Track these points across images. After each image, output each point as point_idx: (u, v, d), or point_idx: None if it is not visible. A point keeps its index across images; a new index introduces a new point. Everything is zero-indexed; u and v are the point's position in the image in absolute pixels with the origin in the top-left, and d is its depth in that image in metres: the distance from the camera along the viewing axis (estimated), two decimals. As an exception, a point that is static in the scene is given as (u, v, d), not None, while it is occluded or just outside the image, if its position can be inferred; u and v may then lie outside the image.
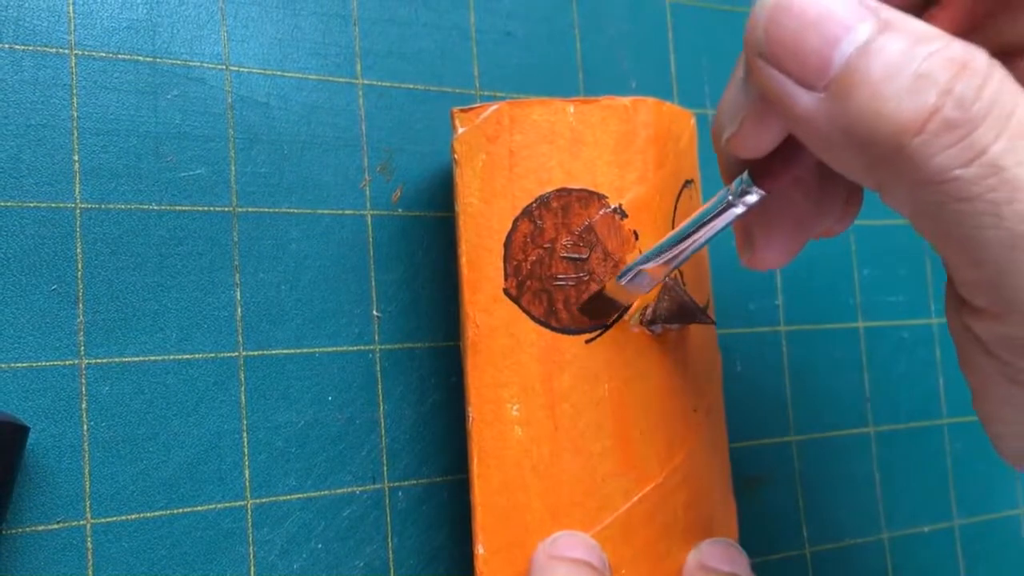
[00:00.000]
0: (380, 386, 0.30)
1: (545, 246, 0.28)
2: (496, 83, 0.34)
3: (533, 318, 0.28)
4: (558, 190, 0.28)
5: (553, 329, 0.28)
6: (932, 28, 0.18)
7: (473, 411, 0.27)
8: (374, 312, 0.31)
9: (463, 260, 0.28)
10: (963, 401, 0.41)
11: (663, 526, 0.28)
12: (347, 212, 0.31)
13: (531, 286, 0.28)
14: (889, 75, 0.17)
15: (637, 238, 0.28)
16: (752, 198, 0.22)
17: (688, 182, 0.30)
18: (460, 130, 0.28)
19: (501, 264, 0.28)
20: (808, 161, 0.21)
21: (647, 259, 0.26)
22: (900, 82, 0.17)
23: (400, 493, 0.30)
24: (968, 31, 0.20)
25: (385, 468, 0.30)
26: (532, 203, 0.28)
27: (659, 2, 0.37)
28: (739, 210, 0.23)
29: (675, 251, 0.25)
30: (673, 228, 0.29)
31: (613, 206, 0.28)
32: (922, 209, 0.18)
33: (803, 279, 0.39)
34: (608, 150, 0.28)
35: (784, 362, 0.38)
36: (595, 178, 0.28)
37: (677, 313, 0.28)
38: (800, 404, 0.38)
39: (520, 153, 0.28)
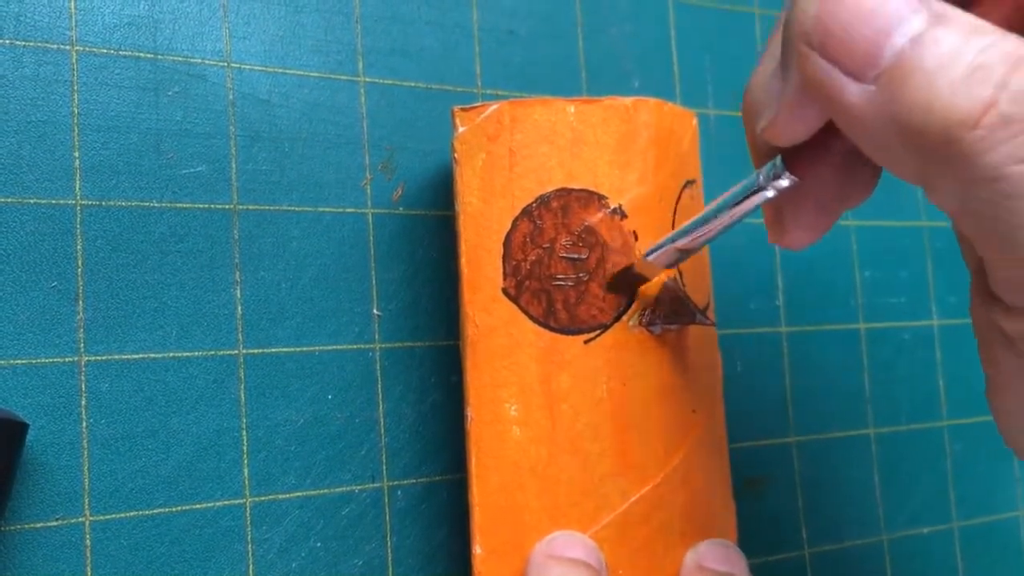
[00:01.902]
0: (380, 385, 0.30)
1: (544, 246, 0.28)
2: (498, 82, 0.34)
3: (532, 318, 0.27)
4: (558, 190, 0.28)
5: (552, 329, 0.27)
6: (984, 22, 0.17)
7: (472, 411, 0.27)
8: (374, 311, 0.31)
9: (463, 260, 0.28)
10: (963, 403, 0.41)
11: (661, 526, 0.28)
12: (348, 210, 0.31)
13: (530, 286, 0.28)
14: (943, 67, 0.17)
15: (637, 239, 0.28)
16: (784, 183, 0.22)
17: (689, 182, 0.30)
18: (460, 129, 0.28)
19: (500, 264, 0.28)
20: (844, 147, 0.21)
21: (677, 237, 0.26)
22: (954, 74, 0.17)
23: (399, 492, 0.30)
24: (1018, 27, 0.20)
25: (384, 467, 0.30)
26: (532, 203, 0.28)
27: (662, 1, 0.37)
28: (770, 194, 0.22)
29: (704, 231, 0.25)
30: (673, 229, 0.29)
31: (613, 206, 0.28)
32: (969, 206, 0.18)
33: (804, 280, 0.39)
34: (609, 150, 0.28)
35: (784, 363, 0.38)
36: (595, 178, 0.28)
37: (677, 314, 0.28)
38: (800, 405, 0.38)
39: (520, 153, 0.28)
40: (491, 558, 0.27)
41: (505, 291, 0.28)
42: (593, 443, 0.27)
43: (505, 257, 0.28)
